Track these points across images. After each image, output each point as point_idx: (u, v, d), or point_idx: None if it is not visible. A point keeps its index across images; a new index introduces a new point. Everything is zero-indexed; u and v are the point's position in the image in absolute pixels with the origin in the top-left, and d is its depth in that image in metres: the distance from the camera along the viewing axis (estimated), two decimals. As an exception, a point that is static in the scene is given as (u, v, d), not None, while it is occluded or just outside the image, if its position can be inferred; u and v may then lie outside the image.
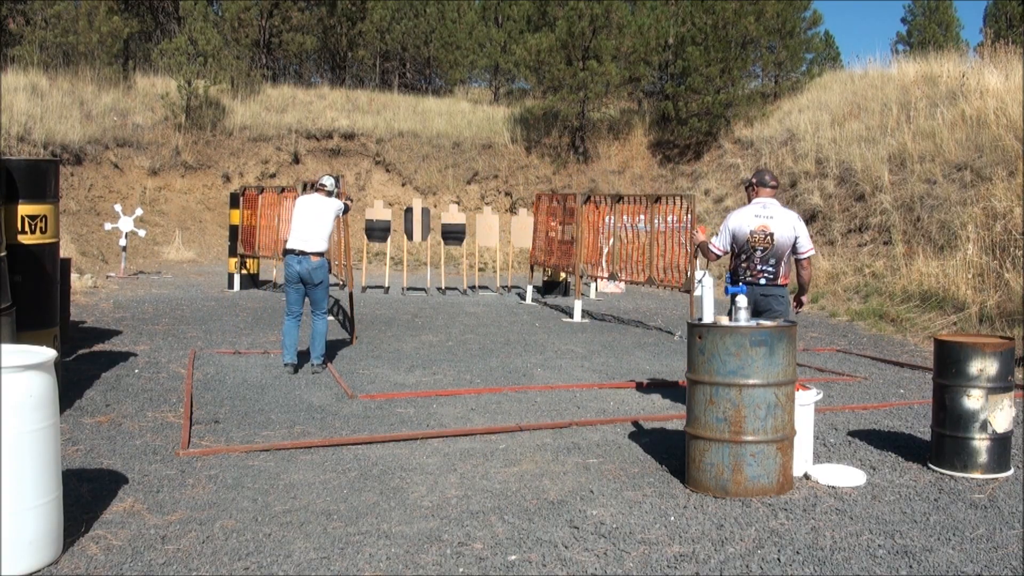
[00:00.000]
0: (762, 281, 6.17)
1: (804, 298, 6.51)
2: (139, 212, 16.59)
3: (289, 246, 8.13)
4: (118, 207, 16.30)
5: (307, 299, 8.30)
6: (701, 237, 6.63)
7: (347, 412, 6.74)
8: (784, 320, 5.78)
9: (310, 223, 8.14)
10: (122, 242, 16.01)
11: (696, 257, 7.05)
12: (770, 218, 6.17)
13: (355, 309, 11.29)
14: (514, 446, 5.88)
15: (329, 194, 8.45)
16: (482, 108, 25.90)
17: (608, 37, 22.49)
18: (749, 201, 6.39)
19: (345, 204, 8.69)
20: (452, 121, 23.84)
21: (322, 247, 8.11)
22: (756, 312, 6.05)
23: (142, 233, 16.36)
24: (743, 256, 6.23)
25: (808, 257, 6.28)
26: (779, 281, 6.19)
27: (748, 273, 6.21)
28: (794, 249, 6.23)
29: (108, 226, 16.16)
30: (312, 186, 12.63)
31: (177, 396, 7.07)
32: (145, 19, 26.99)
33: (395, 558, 4.03)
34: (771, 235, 6.13)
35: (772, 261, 6.16)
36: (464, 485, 5.06)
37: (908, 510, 4.76)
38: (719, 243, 6.37)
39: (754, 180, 6.36)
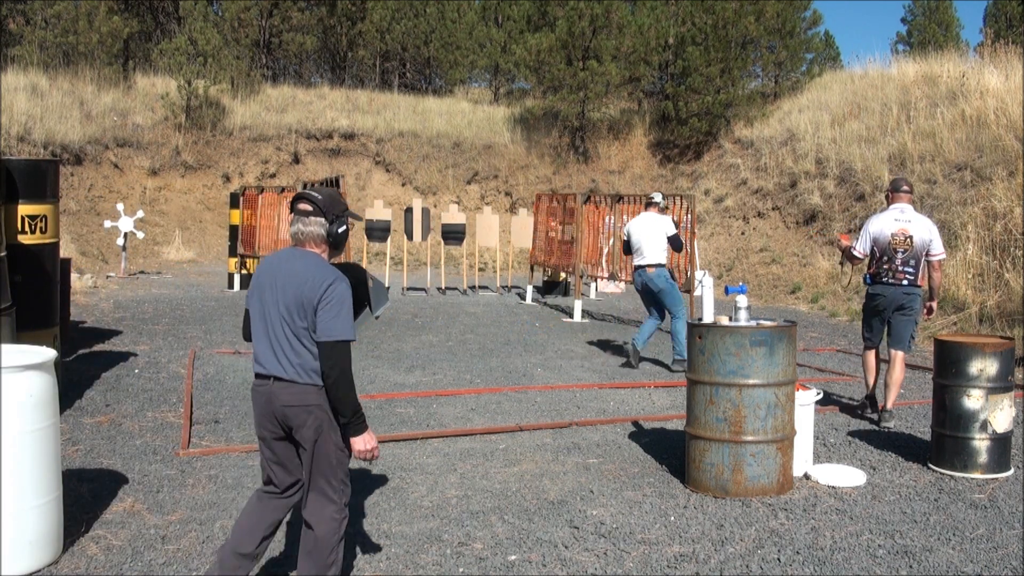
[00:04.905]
0: (904, 282, 6.54)
1: (933, 303, 6.80)
2: (140, 214, 16.59)
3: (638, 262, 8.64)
4: (120, 206, 16.31)
5: None
6: (845, 243, 6.98)
7: (347, 412, 6.73)
8: (915, 320, 6.55)
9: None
10: (120, 241, 16.01)
11: (843, 264, 7.45)
12: (908, 222, 6.56)
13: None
14: (514, 446, 5.88)
15: (663, 210, 8.95)
16: (482, 108, 25.89)
17: (608, 37, 22.49)
18: (888, 206, 6.76)
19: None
20: (452, 121, 23.84)
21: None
22: (897, 309, 6.55)
23: (140, 235, 16.35)
24: (884, 258, 6.58)
25: (940, 259, 6.62)
26: (918, 282, 6.58)
27: (891, 275, 6.56)
28: (927, 251, 6.57)
29: (108, 224, 16.17)
30: (311, 186, 12.61)
31: (177, 396, 7.07)
32: (145, 19, 26.98)
33: (395, 558, 4.03)
34: (910, 237, 6.51)
35: (912, 263, 6.52)
36: (464, 485, 5.06)
37: (908, 510, 4.76)
38: (860, 248, 6.72)
39: (891, 188, 6.78)
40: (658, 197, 9.00)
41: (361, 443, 3.30)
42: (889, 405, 6.55)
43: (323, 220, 3.38)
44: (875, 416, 6.76)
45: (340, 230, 3.41)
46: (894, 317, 6.60)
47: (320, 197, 3.39)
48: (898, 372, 6.58)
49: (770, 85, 23.25)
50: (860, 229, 6.82)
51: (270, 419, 3.35)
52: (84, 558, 3.97)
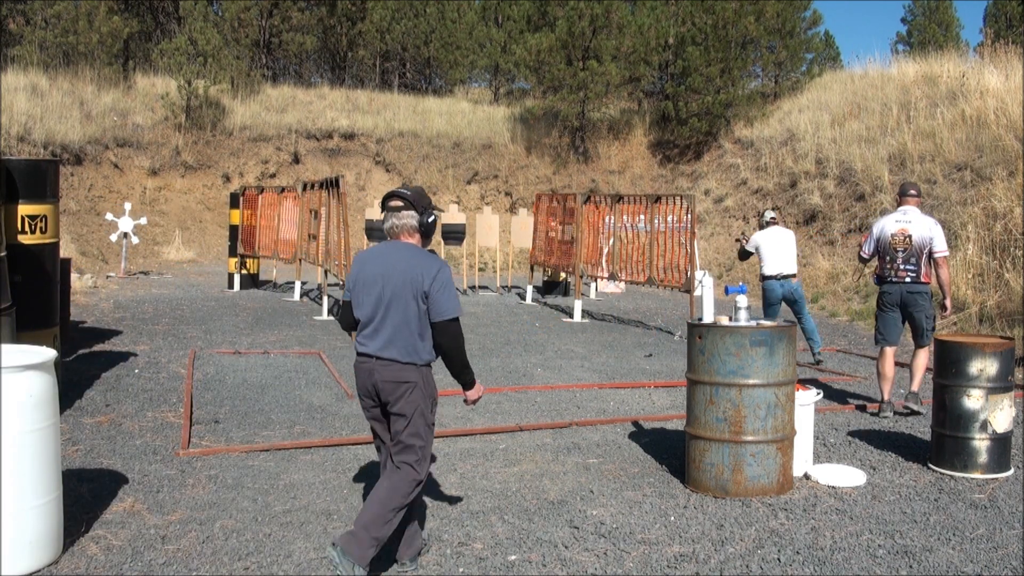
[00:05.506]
0: (908, 280, 6.78)
1: (947, 302, 6.95)
2: (143, 221, 16.61)
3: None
4: (127, 205, 16.33)
5: None
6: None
7: (347, 412, 6.74)
8: (927, 316, 6.72)
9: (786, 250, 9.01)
10: (113, 237, 16.05)
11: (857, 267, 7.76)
12: (909, 222, 6.82)
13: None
14: (514, 446, 5.88)
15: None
16: (482, 108, 25.88)
17: (608, 37, 22.49)
18: (896, 209, 7.06)
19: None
20: (452, 121, 23.83)
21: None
22: (903, 307, 6.79)
23: (136, 240, 16.31)
24: (887, 258, 6.86)
25: (942, 256, 6.78)
26: (922, 279, 6.78)
27: (894, 274, 6.81)
28: (929, 249, 6.76)
29: (109, 216, 16.17)
30: (311, 186, 12.61)
31: (177, 396, 7.07)
32: (145, 19, 26.96)
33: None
34: (909, 236, 6.77)
35: (913, 261, 6.76)
36: (464, 485, 5.06)
37: (908, 510, 4.76)
38: (866, 248, 7.08)
39: (899, 193, 7.10)
40: (772, 213, 9.38)
41: (474, 393, 3.92)
42: (914, 388, 6.85)
43: (414, 212, 3.85)
44: (889, 415, 6.88)
45: (430, 220, 3.89)
46: (911, 317, 6.82)
47: (409, 193, 3.86)
48: (922, 359, 6.85)
49: (770, 85, 23.25)
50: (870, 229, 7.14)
51: (369, 392, 3.80)
52: (84, 558, 3.97)
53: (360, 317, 3.82)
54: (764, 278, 8.98)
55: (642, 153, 23.35)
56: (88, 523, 4.34)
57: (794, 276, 8.98)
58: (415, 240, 3.88)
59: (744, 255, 9.52)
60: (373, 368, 3.76)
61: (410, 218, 3.84)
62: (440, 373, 8.58)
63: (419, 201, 3.85)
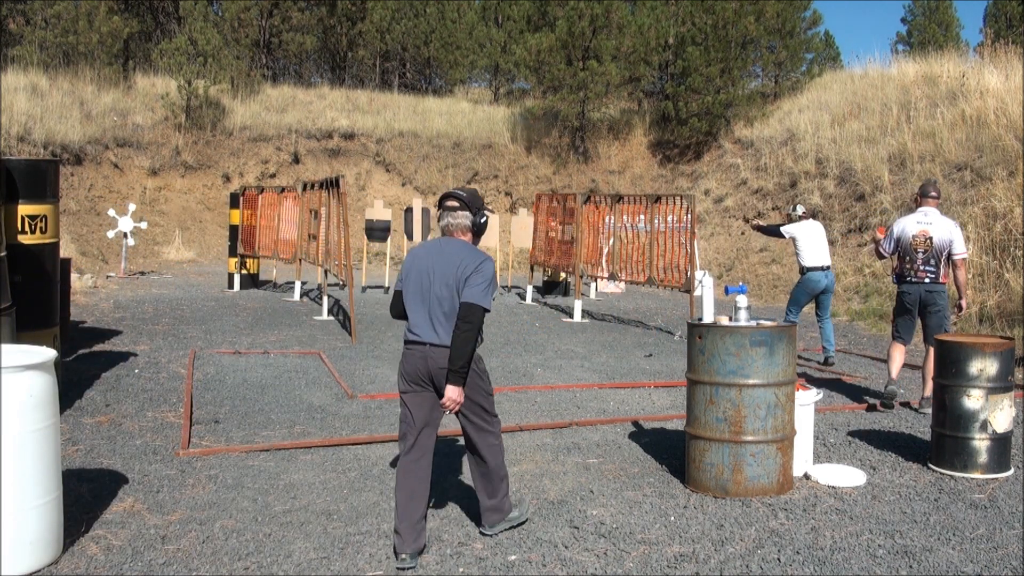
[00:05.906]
0: (927, 280, 6.93)
1: (963, 302, 7.08)
2: (144, 224, 16.62)
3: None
4: (132, 206, 16.34)
5: None
6: (880, 236, 7.40)
7: (347, 412, 6.74)
8: (943, 315, 6.84)
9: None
10: (110, 234, 16.07)
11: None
12: (930, 224, 6.95)
13: (355, 309, 11.27)
14: (514, 446, 5.88)
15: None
16: (482, 108, 25.89)
17: (608, 37, 22.49)
18: (916, 209, 7.19)
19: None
20: (452, 121, 23.83)
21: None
22: (921, 306, 6.93)
23: (132, 242, 16.29)
24: (907, 258, 7.00)
25: (961, 259, 6.93)
26: (940, 280, 6.94)
27: (913, 274, 6.97)
28: (949, 251, 6.89)
29: (111, 212, 16.18)
30: (311, 186, 12.61)
31: (177, 396, 7.07)
32: (145, 19, 26.96)
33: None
34: (930, 239, 6.90)
35: (933, 262, 6.90)
36: (464, 485, 5.06)
37: (908, 510, 4.76)
38: (886, 246, 7.21)
39: (919, 192, 7.21)
40: (802, 207, 9.60)
41: (455, 393, 3.99)
42: (927, 393, 6.92)
43: (468, 213, 4.17)
44: (893, 388, 7.09)
45: (482, 220, 4.21)
46: (926, 315, 6.95)
47: (465, 195, 4.18)
48: (932, 364, 6.84)
49: (770, 85, 23.25)
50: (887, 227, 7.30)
51: (423, 375, 4.03)
52: (84, 558, 3.97)
53: (410, 307, 4.08)
54: (807, 270, 9.12)
55: (642, 153, 23.35)
56: (88, 523, 4.35)
57: (829, 268, 9.21)
58: (467, 238, 4.19)
59: (773, 233, 9.65)
60: (427, 354, 4.00)
61: (464, 218, 4.16)
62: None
63: (473, 203, 4.17)
